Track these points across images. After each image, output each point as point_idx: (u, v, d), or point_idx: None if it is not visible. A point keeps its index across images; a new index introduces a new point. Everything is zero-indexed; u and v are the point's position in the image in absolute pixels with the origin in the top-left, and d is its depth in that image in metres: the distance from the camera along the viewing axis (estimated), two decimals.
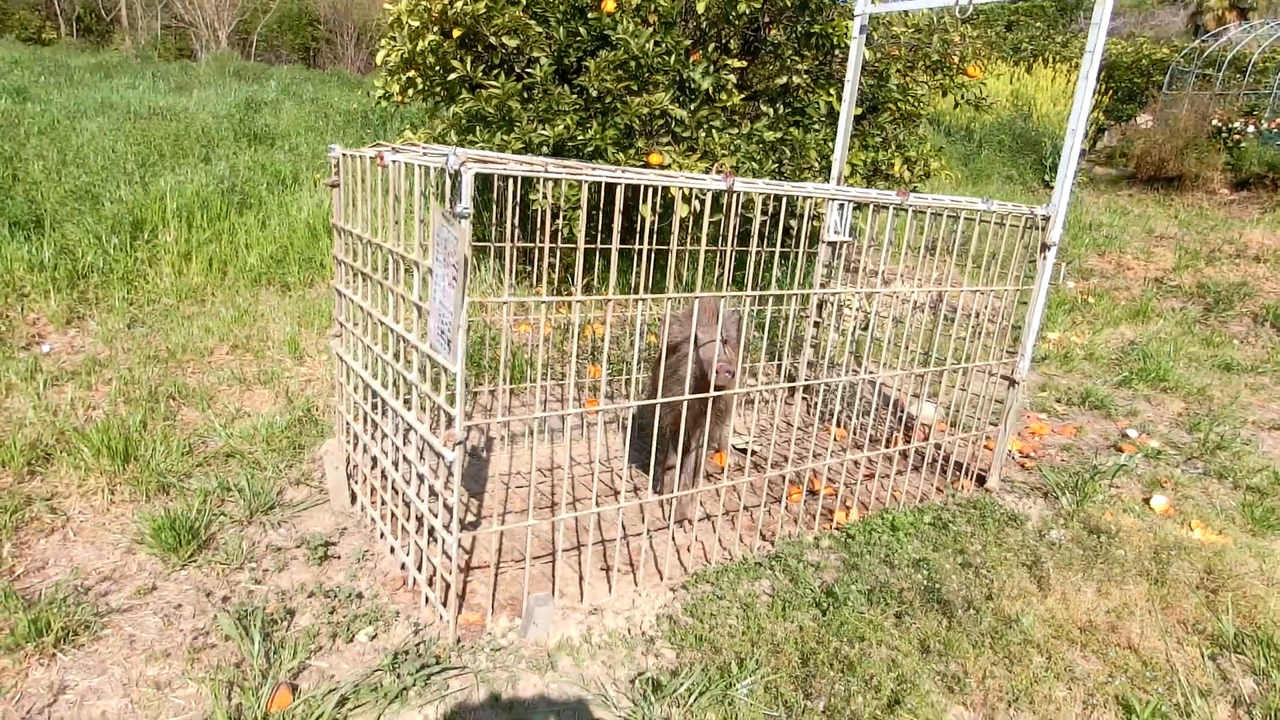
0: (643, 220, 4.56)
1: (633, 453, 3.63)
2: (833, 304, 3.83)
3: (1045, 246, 3.25)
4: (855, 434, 3.93)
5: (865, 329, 4.25)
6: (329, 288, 5.16)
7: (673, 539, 2.88)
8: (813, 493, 3.39)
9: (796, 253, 4.38)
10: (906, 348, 3.44)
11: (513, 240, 3.35)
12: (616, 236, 2.29)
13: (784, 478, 3.31)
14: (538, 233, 3.51)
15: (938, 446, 3.68)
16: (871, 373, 3.81)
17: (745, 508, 3.22)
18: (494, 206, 3.59)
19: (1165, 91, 12.94)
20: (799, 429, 4.03)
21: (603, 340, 4.55)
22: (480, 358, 4.05)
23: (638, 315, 2.61)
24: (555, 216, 4.60)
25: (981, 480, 3.56)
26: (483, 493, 3.17)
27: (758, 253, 3.91)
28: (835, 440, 3.95)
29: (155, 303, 4.68)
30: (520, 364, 4.08)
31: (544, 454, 3.55)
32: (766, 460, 3.62)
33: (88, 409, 3.40)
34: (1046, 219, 3.22)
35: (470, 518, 2.98)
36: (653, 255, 3.66)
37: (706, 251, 5.32)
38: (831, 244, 3.81)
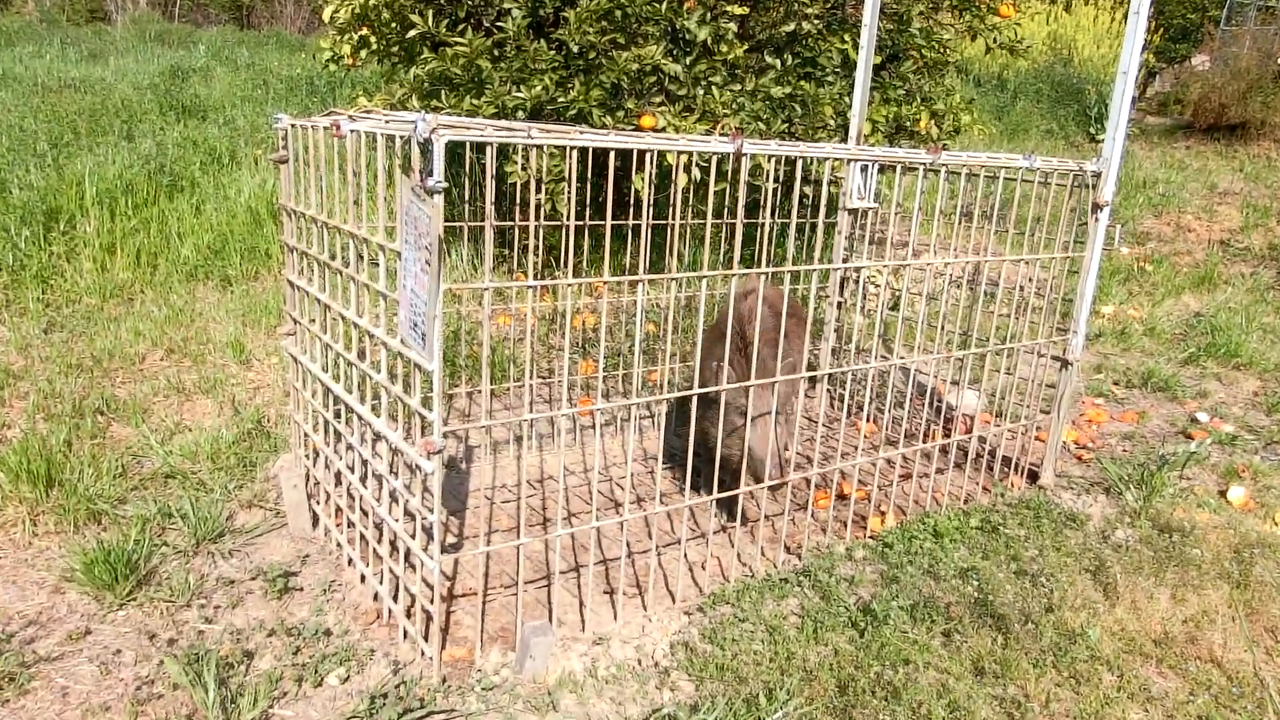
0: (636, 193, 4.54)
1: (669, 444, 3.63)
2: (856, 281, 3.82)
3: (1097, 207, 3.24)
4: (887, 429, 3.93)
5: (894, 308, 4.24)
6: (277, 280, 5.12)
7: (684, 555, 2.87)
8: (842, 497, 3.39)
9: (813, 224, 4.37)
10: (942, 328, 3.43)
11: (489, 219, 3.32)
12: (609, 211, 2.27)
13: (808, 481, 3.30)
14: (516, 210, 3.49)
15: (982, 440, 3.68)
16: (903, 358, 3.81)
17: (766, 517, 3.21)
18: (464, 181, 3.56)
19: (1223, 28, 12.96)
20: (823, 425, 4.02)
21: (595, 331, 4.53)
22: (455, 355, 4.03)
23: (638, 300, 2.59)
24: (535, 191, 4.57)
25: (1034, 476, 3.56)
26: (464, 510, 3.15)
27: (769, 225, 3.90)
28: (865, 437, 3.94)
29: (76, 303, 4.65)
30: (501, 361, 4.06)
31: (533, 463, 3.54)
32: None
33: (1, 428, 3.37)
34: (1097, 175, 3.21)
35: (451, 539, 2.96)
36: (649, 232, 3.64)
37: (711, 225, 5.31)
38: (853, 212, 3.80)
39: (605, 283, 2.13)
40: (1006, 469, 3.59)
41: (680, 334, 4.20)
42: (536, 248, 4.74)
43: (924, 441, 3.61)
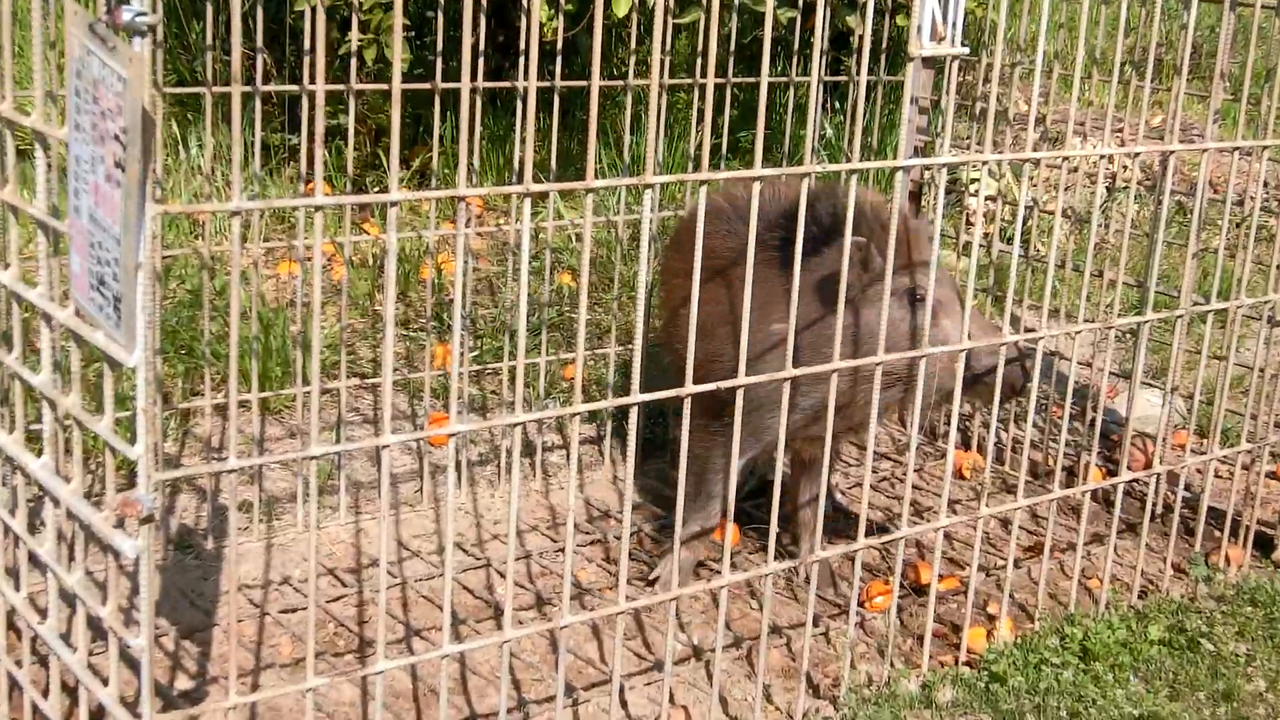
0: (529, 29, 4.53)
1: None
2: (938, 183, 3.86)
3: None
4: (1002, 463, 3.97)
5: (1011, 240, 4.30)
6: None
7: (620, 701, 2.89)
8: (916, 589, 3.42)
9: (858, 84, 4.40)
10: (1101, 275, 3.48)
11: (258, 80, 3.30)
12: (469, 64, 2.28)
13: (854, 560, 3.34)
14: (307, 66, 3.47)
15: (1173, 480, 3.73)
16: (1030, 330, 3.86)
17: (776, 629, 3.24)
18: (209, 11, 3.53)
19: None
20: (883, 455, 4.06)
21: (453, 286, 4.53)
22: (192, 336, 4.01)
23: (524, 229, 2.58)
24: (346, 28, 4.54)
25: (1266, 546, 3.63)
26: (210, 627, 3.15)
27: (777, 85, 3.90)
28: (958, 477, 3.98)
29: None
30: (282, 346, 4.04)
31: (340, 537, 3.54)
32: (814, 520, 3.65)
33: None
34: None
35: (184, 682, 2.96)
36: (558, 104, 3.64)
37: (670, 89, 5.32)
38: (930, 64, 3.84)
39: (473, 198, 2.12)
40: (1216, 532, 3.66)
41: (623, 289, 4.18)
42: (343, 132, 4.72)
43: (1068, 484, 3.65)
